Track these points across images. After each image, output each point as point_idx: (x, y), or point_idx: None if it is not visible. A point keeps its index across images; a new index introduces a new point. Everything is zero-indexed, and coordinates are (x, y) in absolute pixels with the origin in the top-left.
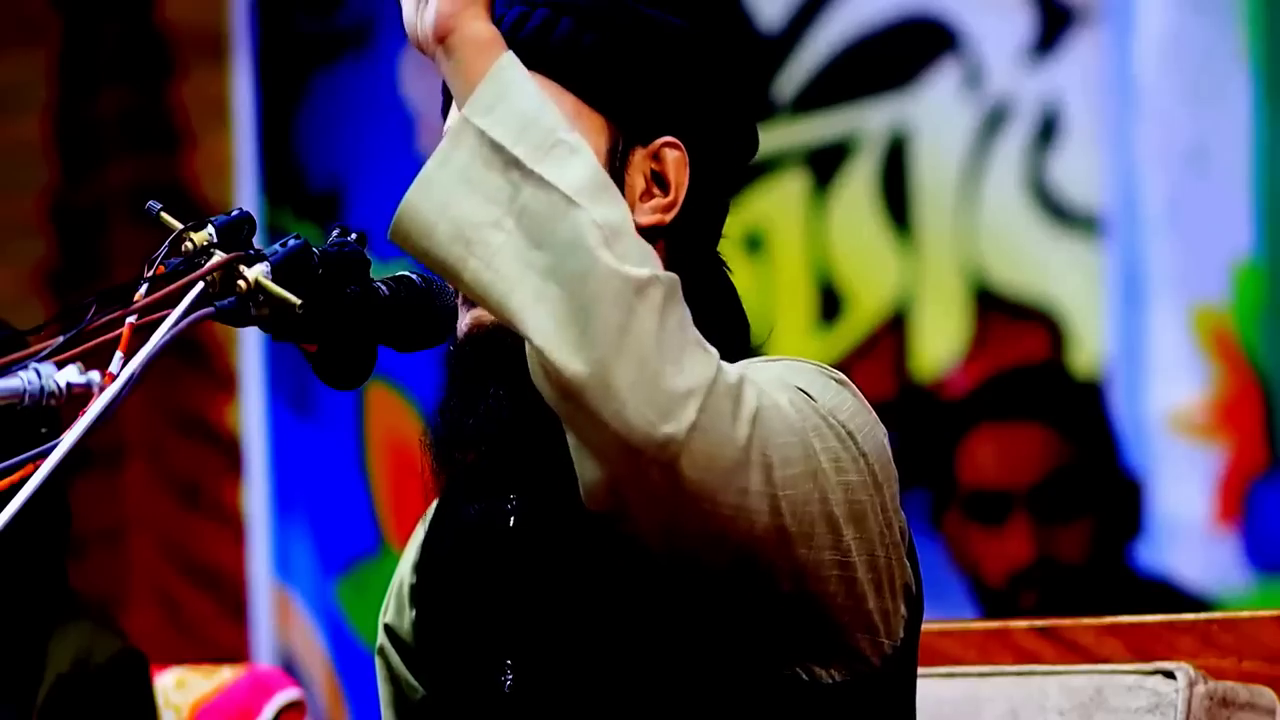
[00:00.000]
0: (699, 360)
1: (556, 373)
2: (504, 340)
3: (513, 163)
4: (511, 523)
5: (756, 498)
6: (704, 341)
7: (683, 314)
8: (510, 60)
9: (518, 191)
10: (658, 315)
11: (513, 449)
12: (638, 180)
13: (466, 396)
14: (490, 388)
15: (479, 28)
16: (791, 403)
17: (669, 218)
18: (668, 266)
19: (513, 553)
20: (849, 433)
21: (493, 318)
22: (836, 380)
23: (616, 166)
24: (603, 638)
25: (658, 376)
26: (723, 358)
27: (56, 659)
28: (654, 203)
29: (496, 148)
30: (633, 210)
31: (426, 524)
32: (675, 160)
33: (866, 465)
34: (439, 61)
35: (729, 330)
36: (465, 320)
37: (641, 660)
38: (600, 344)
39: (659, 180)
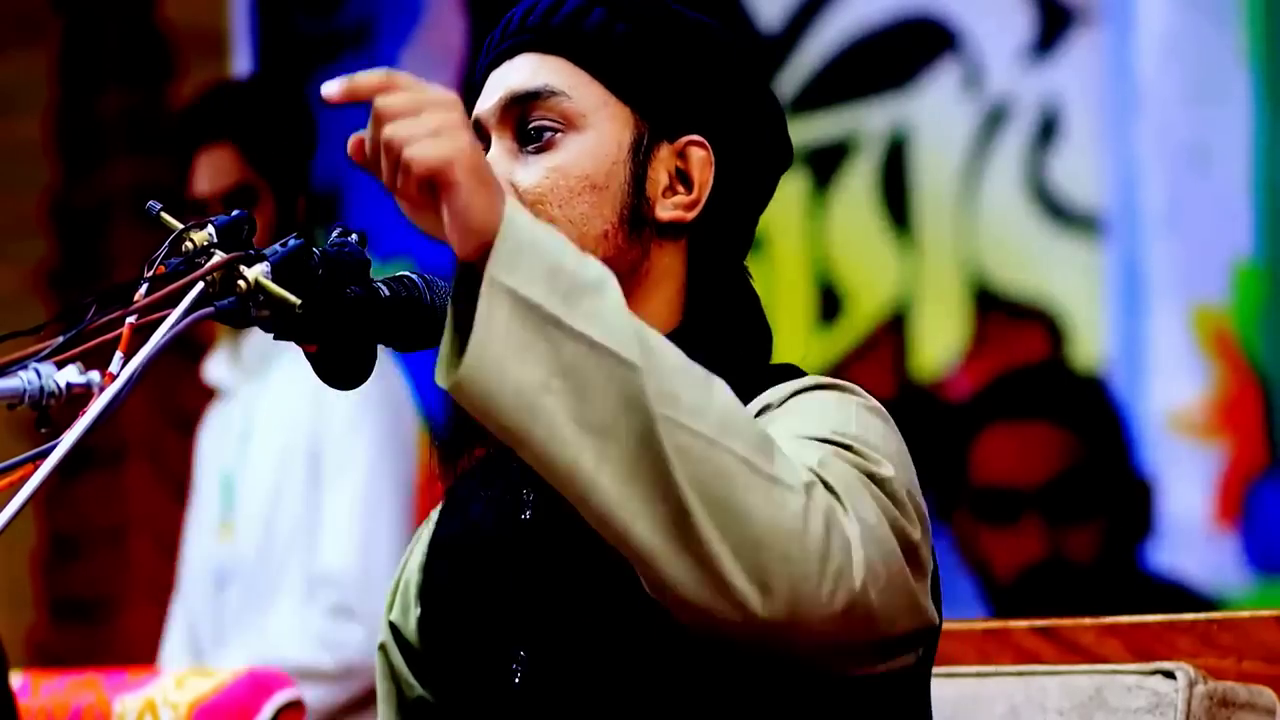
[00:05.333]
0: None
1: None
2: None
3: (549, 320)
4: (527, 515)
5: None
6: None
7: (763, 444)
8: (515, 205)
9: (559, 349)
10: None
11: None
12: (661, 175)
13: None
14: None
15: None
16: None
17: (690, 215)
18: (688, 268)
19: (528, 544)
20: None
21: None
22: (870, 411)
23: (640, 160)
24: (619, 629)
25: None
26: (742, 368)
27: None
28: (676, 199)
29: (531, 306)
30: (654, 205)
31: (432, 525)
32: (700, 159)
33: (915, 506)
34: (416, 202)
35: (749, 339)
36: None
37: (659, 651)
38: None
39: (683, 178)
